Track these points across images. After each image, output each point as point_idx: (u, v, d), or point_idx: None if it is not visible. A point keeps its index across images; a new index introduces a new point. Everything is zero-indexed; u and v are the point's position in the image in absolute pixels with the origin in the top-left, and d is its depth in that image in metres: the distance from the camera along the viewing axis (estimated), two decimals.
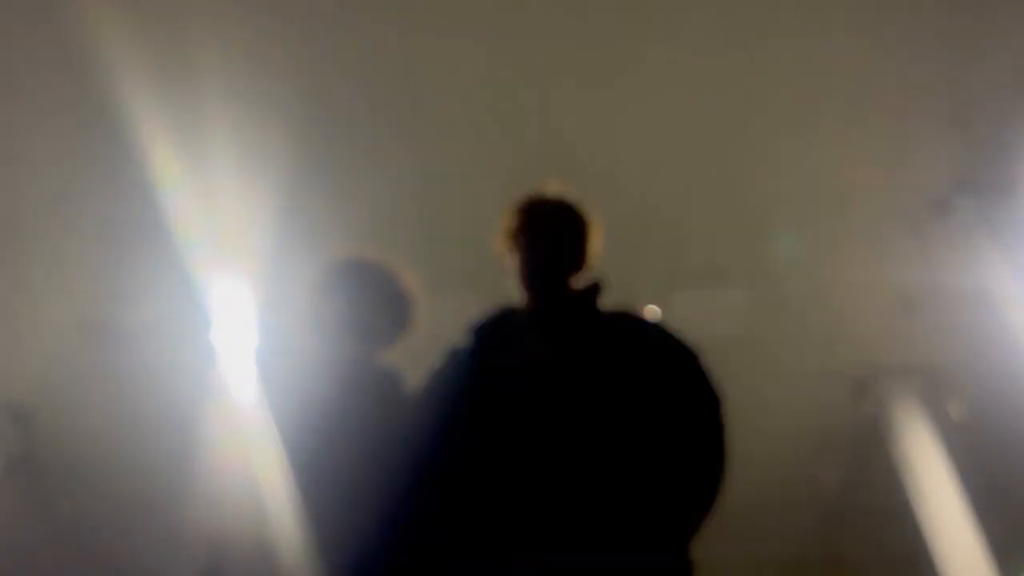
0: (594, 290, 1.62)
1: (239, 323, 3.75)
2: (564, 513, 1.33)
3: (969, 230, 3.50)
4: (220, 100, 3.11)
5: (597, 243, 1.67)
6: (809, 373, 4.25)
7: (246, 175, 3.34)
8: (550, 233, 1.61)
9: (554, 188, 1.70)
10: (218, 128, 3.18)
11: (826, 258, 3.76)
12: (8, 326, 3.81)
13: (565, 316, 1.56)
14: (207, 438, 3.89)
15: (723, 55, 3.08)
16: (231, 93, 3.11)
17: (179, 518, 4.43)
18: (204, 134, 3.22)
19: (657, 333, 1.57)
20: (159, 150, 3.25)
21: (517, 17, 3.01)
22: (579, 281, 1.61)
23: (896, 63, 3.13)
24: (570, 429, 1.39)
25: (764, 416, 4.41)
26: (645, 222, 3.55)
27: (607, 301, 1.62)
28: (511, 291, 1.63)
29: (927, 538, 3.97)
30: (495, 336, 1.59)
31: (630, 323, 1.58)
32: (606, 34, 3.05)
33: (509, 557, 1.32)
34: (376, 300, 1.75)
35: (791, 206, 3.58)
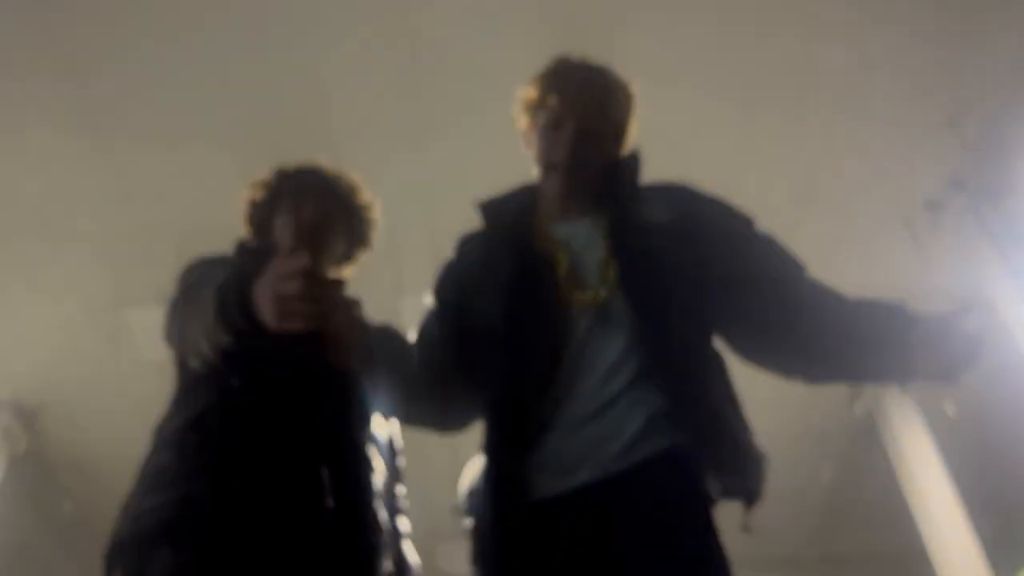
0: (633, 162, 1.37)
1: None
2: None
3: (963, 230, 3.52)
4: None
5: (635, 124, 1.41)
6: None
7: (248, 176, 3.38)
8: (579, 102, 1.33)
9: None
10: (214, 135, 3.19)
11: (821, 258, 3.77)
12: (15, 323, 3.83)
13: (597, 196, 1.31)
14: None
15: (717, 56, 3.10)
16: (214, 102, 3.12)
17: None
18: (203, 140, 3.25)
19: (709, 200, 1.36)
20: (162, 153, 3.28)
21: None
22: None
23: (890, 65, 3.15)
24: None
25: (760, 415, 4.43)
26: None
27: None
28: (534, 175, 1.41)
29: (922, 535, 3.98)
30: (501, 216, 1.38)
31: (675, 192, 1.37)
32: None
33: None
34: (328, 210, 1.49)
35: (785, 207, 3.60)
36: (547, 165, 1.36)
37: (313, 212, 1.46)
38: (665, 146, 3.29)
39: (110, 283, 3.72)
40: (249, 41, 3.00)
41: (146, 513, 1.12)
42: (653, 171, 3.36)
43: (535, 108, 1.38)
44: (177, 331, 1.26)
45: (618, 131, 1.40)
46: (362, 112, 3.24)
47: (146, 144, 3.25)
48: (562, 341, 1.20)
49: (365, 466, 1.27)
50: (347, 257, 1.57)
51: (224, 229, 3.45)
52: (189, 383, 1.30)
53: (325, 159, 1.62)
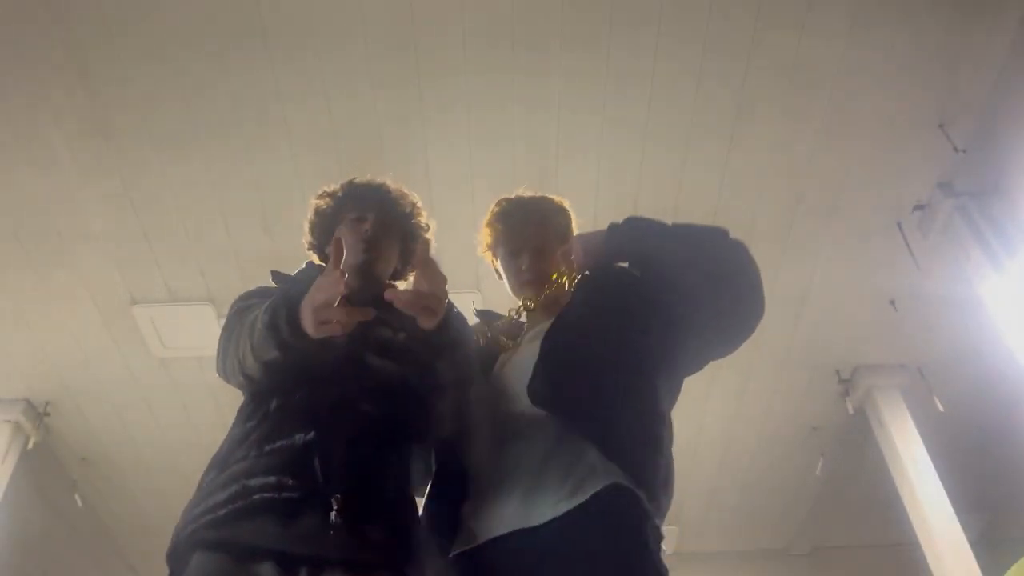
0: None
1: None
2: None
3: (952, 231, 3.56)
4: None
5: (571, 229, 1.64)
6: (797, 370, 4.34)
7: (256, 176, 3.43)
8: (527, 231, 1.58)
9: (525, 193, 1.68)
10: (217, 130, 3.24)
11: (815, 260, 3.83)
12: (25, 321, 3.90)
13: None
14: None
15: (707, 60, 3.14)
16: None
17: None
18: (216, 140, 3.30)
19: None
20: (174, 156, 3.34)
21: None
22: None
23: (879, 68, 3.18)
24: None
25: (753, 410, 4.50)
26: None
27: None
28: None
29: (913, 529, 4.03)
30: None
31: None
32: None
33: None
34: (387, 224, 1.54)
35: (776, 210, 3.64)
36: (519, 285, 1.59)
37: (372, 224, 1.51)
38: (662, 150, 3.39)
39: (119, 282, 3.78)
40: (258, 47, 3.05)
41: (197, 516, 1.19)
42: (650, 170, 3.43)
43: (495, 246, 1.65)
44: (222, 355, 1.35)
45: (563, 242, 1.62)
46: (366, 111, 3.30)
47: (156, 146, 3.30)
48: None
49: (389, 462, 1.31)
50: (399, 275, 1.64)
51: (231, 229, 3.55)
52: (242, 406, 1.38)
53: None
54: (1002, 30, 3.09)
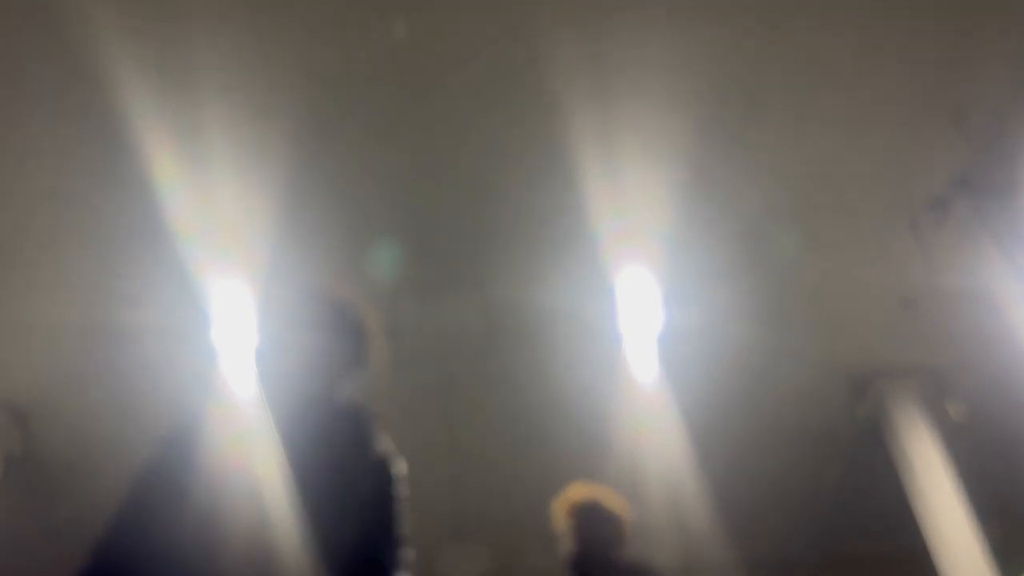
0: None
1: (239, 323, 3.76)
2: None
3: (967, 229, 3.51)
4: (219, 102, 3.12)
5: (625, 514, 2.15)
6: (807, 372, 4.26)
7: (245, 176, 3.37)
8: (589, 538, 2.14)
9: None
10: (217, 129, 3.20)
11: (826, 258, 3.76)
12: (9, 327, 3.81)
13: None
14: (207, 438, 3.89)
15: (723, 56, 3.07)
16: (230, 94, 3.12)
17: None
18: (203, 136, 3.24)
19: None
20: (159, 152, 3.26)
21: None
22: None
23: (895, 64, 3.11)
24: None
25: (764, 417, 4.43)
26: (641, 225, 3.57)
27: None
28: None
29: (927, 537, 3.95)
30: None
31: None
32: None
33: None
34: (336, 334, 1.73)
35: (791, 207, 3.57)
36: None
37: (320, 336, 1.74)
38: (672, 149, 3.32)
39: (102, 285, 3.70)
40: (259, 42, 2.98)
41: None
42: (660, 175, 3.38)
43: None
44: None
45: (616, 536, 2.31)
46: (359, 112, 3.22)
47: (142, 146, 3.21)
48: None
49: None
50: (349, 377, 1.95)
51: (220, 230, 3.47)
52: None
53: None
54: (1016, 27, 3.02)
